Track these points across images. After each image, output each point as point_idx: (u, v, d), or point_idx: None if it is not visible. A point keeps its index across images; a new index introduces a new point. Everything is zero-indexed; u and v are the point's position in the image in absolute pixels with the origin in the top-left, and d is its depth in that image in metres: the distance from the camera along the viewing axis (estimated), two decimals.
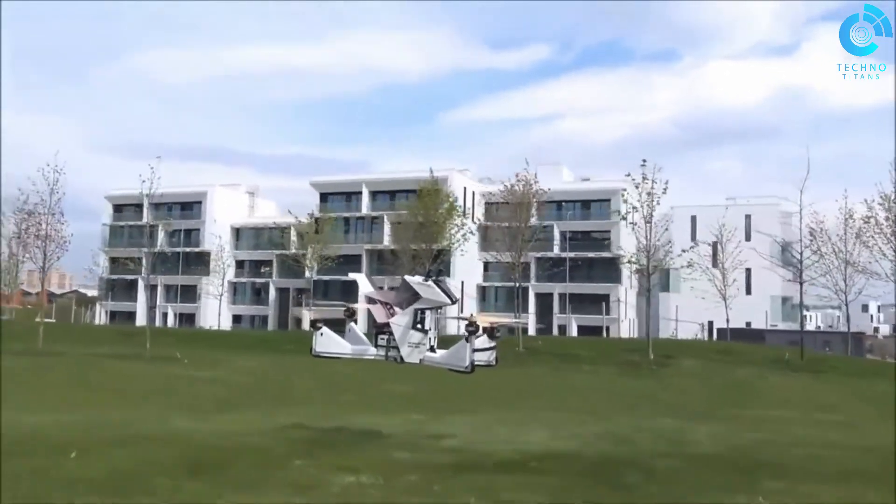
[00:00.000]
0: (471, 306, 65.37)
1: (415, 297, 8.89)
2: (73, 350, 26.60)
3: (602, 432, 11.69)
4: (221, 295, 65.01)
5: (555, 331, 66.68)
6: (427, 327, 9.00)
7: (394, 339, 8.99)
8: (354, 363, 9.59)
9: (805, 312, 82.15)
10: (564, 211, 70.40)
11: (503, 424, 11.90)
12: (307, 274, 61.33)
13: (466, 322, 8.91)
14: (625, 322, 69.23)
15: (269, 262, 75.07)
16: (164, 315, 73.85)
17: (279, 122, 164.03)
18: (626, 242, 63.21)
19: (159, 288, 69.91)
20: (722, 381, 22.88)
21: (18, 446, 8.29)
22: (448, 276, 62.46)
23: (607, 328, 63.56)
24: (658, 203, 30.66)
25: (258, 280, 76.22)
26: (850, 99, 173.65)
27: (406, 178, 68.75)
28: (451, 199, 38.71)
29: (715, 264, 55.77)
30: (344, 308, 10.59)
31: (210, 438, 9.83)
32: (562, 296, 69.34)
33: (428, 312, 9.08)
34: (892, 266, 30.19)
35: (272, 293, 74.87)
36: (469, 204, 68.77)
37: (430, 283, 8.98)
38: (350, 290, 68.62)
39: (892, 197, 30.04)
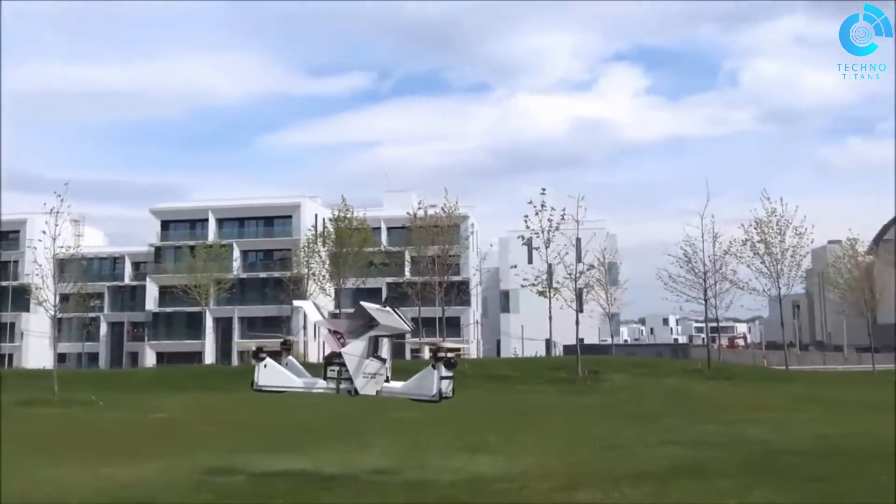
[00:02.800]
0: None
1: (371, 324, 8.51)
2: None
3: (684, 440, 12.88)
4: (58, 330, 59.44)
5: (407, 355, 67.37)
6: (385, 356, 8.62)
7: (346, 371, 8.52)
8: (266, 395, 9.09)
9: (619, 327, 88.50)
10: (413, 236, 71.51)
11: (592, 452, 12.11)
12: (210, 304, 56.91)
13: (434, 348, 8.73)
14: (472, 343, 71.26)
15: (99, 295, 69.67)
16: None
17: (90, 146, 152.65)
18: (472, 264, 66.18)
19: None
20: (665, 391, 24.41)
21: None
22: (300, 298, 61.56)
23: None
24: (557, 229, 32.62)
25: (88, 315, 70.44)
26: (639, 132, 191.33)
27: (256, 205, 67.06)
28: (365, 227, 38.24)
29: (551, 284, 59.96)
30: (281, 340, 10.23)
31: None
32: (426, 320, 70.25)
33: (384, 341, 8.79)
34: (767, 281, 34.12)
35: (103, 328, 69.42)
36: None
37: (388, 309, 8.65)
38: (195, 324, 65.52)
39: (765, 221, 33.92)
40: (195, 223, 66.67)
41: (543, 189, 33.36)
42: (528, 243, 36.65)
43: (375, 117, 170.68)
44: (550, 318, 36.36)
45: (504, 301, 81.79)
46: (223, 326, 62.89)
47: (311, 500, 8.50)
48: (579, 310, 75.97)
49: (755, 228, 33.65)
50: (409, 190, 76.47)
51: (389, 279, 63.20)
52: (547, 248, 34.25)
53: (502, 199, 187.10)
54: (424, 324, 69.55)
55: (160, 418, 19.45)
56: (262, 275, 62.89)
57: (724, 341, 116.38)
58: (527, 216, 34.97)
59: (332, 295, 61.34)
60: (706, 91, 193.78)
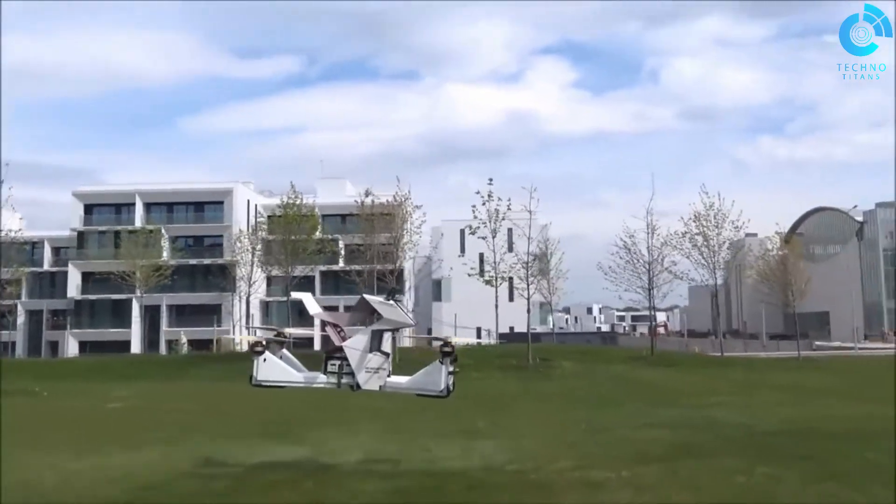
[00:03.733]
0: (255, 321, 63.51)
1: (374, 317, 8.42)
2: None
3: (661, 423, 13.41)
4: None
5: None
6: (388, 351, 8.47)
7: (347, 365, 8.37)
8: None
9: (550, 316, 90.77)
10: (348, 224, 71.10)
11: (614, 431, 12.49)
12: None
13: (441, 343, 8.64)
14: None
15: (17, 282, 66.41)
16: None
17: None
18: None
19: None
20: (615, 377, 25.09)
21: None
22: (233, 291, 60.31)
23: None
24: (503, 218, 33.11)
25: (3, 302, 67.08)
26: (565, 125, 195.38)
27: (186, 190, 65.08)
28: (315, 214, 37.54)
29: (482, 274, 61.13)
30: (275, 332, 10.08)
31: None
32: (347, 308, 69.97)
33: (387, 335, 8.54)
34: (705, 271, 35.54)
35: (21, 316, 66.22)
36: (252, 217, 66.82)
37: (392, 302, 8.55)
38: (121, 312, 63.17)
39: (704, 215, 35.23)
40: (121, 207, 64.21)
41: (490, 179, 34.31)
42: (474, 233, 37.10)
43: (303, 102, 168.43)
44: (497, 306, 36.95)
45: (436, 289, 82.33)
46: (151, 315, 61.02)
47: (341, 489, 8.48)
48: (510, 299, 77.04)
49: (694, 221, 34.98)
50: (343, 178, 75.96)
51: (323, 267, 62.61)
52: (493, 237, 35.13)
53: (431, 187, 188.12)
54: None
55: (122, 407, 18.86)
56: (193, 261, 61.21)
57: (646, 329, 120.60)
58: (474, 206, 35.48)
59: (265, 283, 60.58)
60: (630, 87, 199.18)
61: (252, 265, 44.58)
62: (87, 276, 62.53)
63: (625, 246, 34.39)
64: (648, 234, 33.74)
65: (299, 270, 42.21)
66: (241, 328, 58.11)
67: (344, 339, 8.55)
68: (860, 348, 55.94)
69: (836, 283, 74.02)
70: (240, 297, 57.71)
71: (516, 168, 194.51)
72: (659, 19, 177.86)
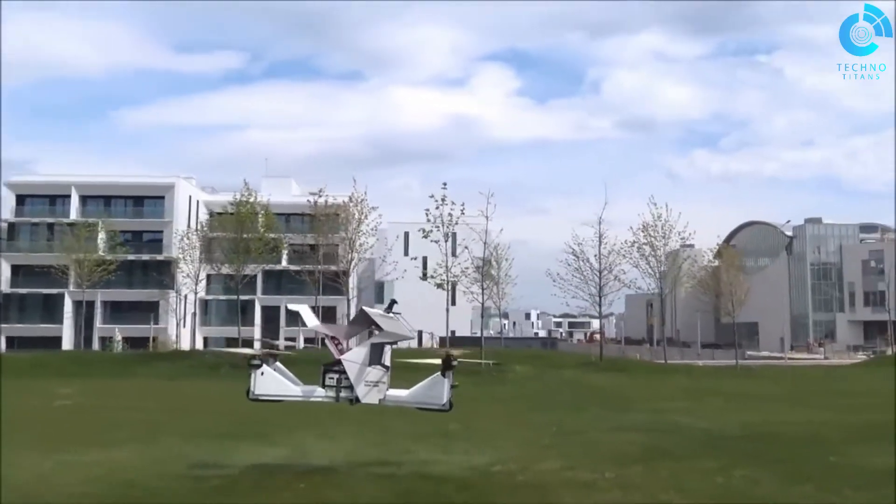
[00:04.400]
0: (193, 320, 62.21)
1: (373, 330, 8.42)
2: None
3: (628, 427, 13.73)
4: None
5: (281, 344, 66.38)
6: (387, 364, 8.41)
7: (346, 378, 8.35)
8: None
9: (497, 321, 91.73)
10: (293, 223, 70.33)
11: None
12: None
13: (444, 356, 8.65)
14: None
15: None
16: None
17: None
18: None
19: None
20: (568, 381, 25.36)
21: None
22: (173, 289, 58.88)
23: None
24: (456, 223, 33.30)
25: None
26: (508, 132, 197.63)
27: (124, 184, 63.30)
28: (269, 212, 36.86)
29: (424, 278, 61.74)
30: (267, 348, 9.61)
31: None
32: (289, 309, 69.32)
33: (387, 347, 8.50)
34: (651, 281, 36.31)
35: None
36: (194, 213, 65.43)
37: (392, 315, 8.54)
38: (52, 307, 60.83)
39: (651, 225, 35.97)
40: (55, 199, 62.04)
41: (445, 184, 34.56)
42: (427, 236, 37.32)
43: (245, 99, 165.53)
44: (448, 309, 37.18)
45: (379, 292, 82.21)
46: (84, 311, 59.08)
47: (341, 489, 8.46)
48: (453, 303, 77.56)
49: (642, 231, 35.86)
50: (289, 176, 75.13)
51: (266, 267, 61.79)
52: (447, 241, 35.46)
53: (373, 189, 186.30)
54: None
55: (72, 405, 18.24)
56: (132, 257, 59.52)
57: (583, 336, 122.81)
58: (427, 210, 35.68)
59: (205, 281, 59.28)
60: (572, 96, 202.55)
61: (200, 262, 43.58)
62: (16, 269, 60.13)
63: (573, 253, 35.04)
64: (598, 242, 34.42)
65: (250, 269, 41.48)
66: (183, 325, 56.71)
67: (342, 351, 8.52)
68: (789, 358, 58.20)
69: (765, 295, 76.78)
70: (180, 294, 56.41)
71: (458, 173, 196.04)
72: (602, 30, 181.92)
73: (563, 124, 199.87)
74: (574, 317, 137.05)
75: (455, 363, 8.58)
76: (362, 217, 32.86)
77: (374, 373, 8.32)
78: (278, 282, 68.00)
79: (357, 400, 8.42)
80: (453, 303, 78.75)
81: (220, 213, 41.09)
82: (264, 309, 68.30)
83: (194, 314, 61.86)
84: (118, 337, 55.60)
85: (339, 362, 8.41)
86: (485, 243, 35.30)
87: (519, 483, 8.93)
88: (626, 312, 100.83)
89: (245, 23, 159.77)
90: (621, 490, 8.44)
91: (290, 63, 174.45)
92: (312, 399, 8.71)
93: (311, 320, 9.31)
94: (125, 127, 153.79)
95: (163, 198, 62.78)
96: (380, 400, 8.47)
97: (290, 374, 8.88)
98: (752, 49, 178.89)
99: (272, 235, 41.30)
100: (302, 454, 10.58)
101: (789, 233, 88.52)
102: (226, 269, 36.60)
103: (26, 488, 8.29)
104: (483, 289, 35.52)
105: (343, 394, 8.43)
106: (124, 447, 11.05)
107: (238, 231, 34.21)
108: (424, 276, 63.48)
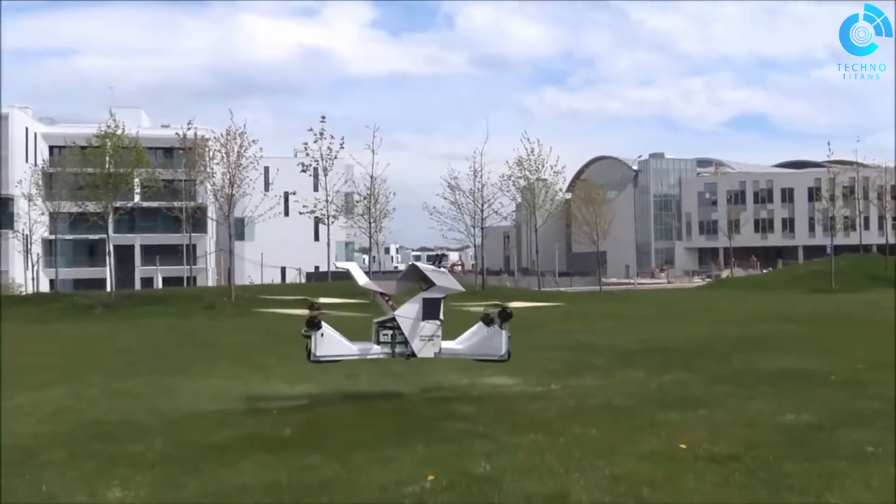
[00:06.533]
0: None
1: (424, 285, 8.68)
2: None
3: (547, 346, 13.63)
4: None
5: (137, 284, 63.64)
6: (441, 318, 8.73)
7: (400, 334, 8.62)
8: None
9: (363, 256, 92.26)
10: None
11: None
12: None
13: (500, 308, 9.09)
14: (210, 271, 69.45)
15: None
16: None
17: None
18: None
19: None
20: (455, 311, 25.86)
21: None
22: (12, 228, 54.22)
23: (194, 278, 63.03)
24: (336, 157, 33.27)
25: None
26: (362, 65, 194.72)
27: None
28: (139, 146, 34.25)
29: (287, 213, 61.29)
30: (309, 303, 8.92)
31: None
32: (144, 248, 66.36)
33: (440, 301, 8.76)
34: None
35: None
36: (32, 146, 60.19)
37: (442, 269, 8.99)
38: None
39: (525, 159, 37.25)
40: None
41: (323, 117, 34.75)
42: (306, 170, 37.21)
43: (72, 22, 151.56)
44: (329, 244, 37.09)
45: (239, 228, 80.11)
46: None
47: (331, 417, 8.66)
48: (316, 238, 76.73)
49: (517, 166, 37.06)
50: (138, 107, 70.47)
51: (118, 203, 58.24)
52: (325, 175, 35.35)
53: (221, 122, 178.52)
54: (158, 251, 65.97)
55: None
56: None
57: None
58: (306, 143, 35.23)
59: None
60: (426, 30, 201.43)
61: (58, 200, 40.36)
62: None
63: (450, 187, 35.80)
64: (479, 176, 35.28)
65: (93, 206, 38.01)
66: (25, 268, 52.59)
67: (393, 307, 8.73)
68: (638, 283, 62.85)
69: (613, 226, 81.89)
70: (22, 234, 52.12)
71: (311, 106, 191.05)
72: None
73: (417, 58, 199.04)
74: (431, 250, 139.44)
75: (507, 315, 8.98)
76: (241, 151, 31.64)
77: (428, 327, 8.60)
78: (131, 220, 64.31)
79: (413, 355, 8.69)
80: (316, 238, 78.49)
81: (82, 147, 37.76)
82: (117, 248, 64.61)
83: (38, 255, 57.48)
84: None
85: (392, 318, 8.61)
86: (371, 177, 35.28)
87: (478, 396, 9.50)
88: (487, 243, 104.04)
89: None
90: (575, 399, 9.19)
91: None
92: (369, 357, 8.88)
93: (361, 277, 9.37)
94: None
95: None
96: (435, 353, 8.77)
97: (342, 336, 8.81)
98: None
99: (143, 170, 38.96)
100: (267, 388, 10.52)
101: (636, 167, 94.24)
102: (92, 207, 34.16)
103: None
104: (371, 222, 35.51)
105: (398, 349, 8.69)
106: (59, 387, 10.60)
107: (104, 165, 31.91)
108: (286, 213, 62.91)
